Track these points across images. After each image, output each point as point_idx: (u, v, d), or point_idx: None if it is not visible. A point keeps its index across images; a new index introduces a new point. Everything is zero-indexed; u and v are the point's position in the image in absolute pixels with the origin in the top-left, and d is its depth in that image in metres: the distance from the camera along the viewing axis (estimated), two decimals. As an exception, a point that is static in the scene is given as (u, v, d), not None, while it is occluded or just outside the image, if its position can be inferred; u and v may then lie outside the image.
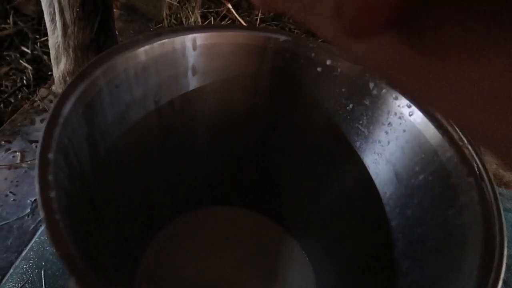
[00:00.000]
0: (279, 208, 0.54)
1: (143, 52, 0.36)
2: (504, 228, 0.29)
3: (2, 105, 0.72)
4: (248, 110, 0.46)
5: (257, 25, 0.90)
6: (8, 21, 0.84)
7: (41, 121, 0.63)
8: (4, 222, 0.51)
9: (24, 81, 0.76)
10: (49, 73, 0.77)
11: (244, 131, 0.48)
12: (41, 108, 0.65)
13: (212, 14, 0.90)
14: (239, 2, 0.95)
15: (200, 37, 0.38)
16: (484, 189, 0.30)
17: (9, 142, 0.60)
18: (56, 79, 0.59)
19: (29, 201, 0.54)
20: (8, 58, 0.80)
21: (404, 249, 0.36)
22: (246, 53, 0.40)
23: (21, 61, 0.79)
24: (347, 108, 0.41)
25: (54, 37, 0.52)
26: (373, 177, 0.40)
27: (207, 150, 0.49)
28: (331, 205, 0.47)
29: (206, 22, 0.86)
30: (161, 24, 0.83)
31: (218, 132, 0.47)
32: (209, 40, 0.39)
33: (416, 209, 0.35)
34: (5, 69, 0.78)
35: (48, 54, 0.58)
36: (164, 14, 0.82)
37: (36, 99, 0.66)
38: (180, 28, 0.38)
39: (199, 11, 0.84)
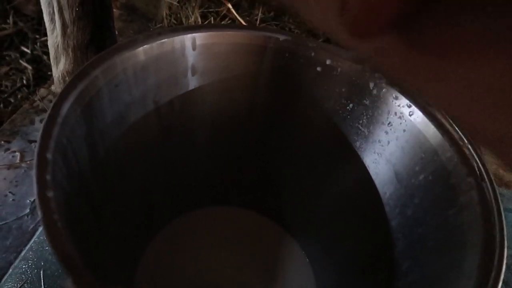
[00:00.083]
0: (279, 208, 0.54)
1: (142, 51, 0.36)
2: (505, 228, 0.29)
3: (2, 105, 0.72)
4: (248, 110, 0.46)
5: (257, 25, 0.90)
6: (8, 21, 0.84)
7: (41, 121, 0.63)
8: (3, 222, 0.51)
9: (24, 81, 0.76)
10: (49, 73, 0.76)
11: (244, 131, 0.48)
12: (40, 108, 0.65)
13: (212, 14, 0.89)
14: (239, 2, 0.95)
15: (199, 37, 0.38)
16: (484, 189, 0.30)
17: (9, 142, 0.60)
18: (55, 79, 0.59)
19: (28, 201, 0.54)
20: (8, 58, 0.80)
21: (404, 249, 0.36)
22: (245, 53, 0.40)
23: (21, 61, 0.79)
24: (347, 107, 0.41)
25: (54, 37, 0.52)
26: (373, 177, 0.40)
27: (206, 150, 0.49)
28: (331, 205, 0.47)
29: (206, 22, 0.86)
30: (161, 24, 0.83)
31: (217, 132, 0.47)
32: (208, 40, 0.39)
33: (416, 209, 0.35)
34: (5, 69, 0.78)
35: (48, 54, 0.58)
36: (164, 14, 0.82)
37: (35, 99, 0.66)
38: (180, 27, 0.38)
39: (199, 11, 0.84)
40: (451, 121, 0.33)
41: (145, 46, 0.36)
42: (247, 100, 0.45)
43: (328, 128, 0.43)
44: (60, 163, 0.28)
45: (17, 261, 0.47)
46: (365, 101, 0.39)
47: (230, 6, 0.88)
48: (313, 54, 0.39)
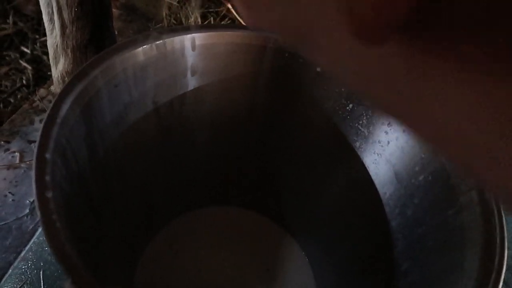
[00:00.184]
0: (279, 208, 0.54)
1: (142, 52, 0.36)
2: (505, 229, 0.29)
3: (1, 105, 0.72)
4: (248, 110, 0.46)
5: (257, 24, 0.89)
6: (8, 21, 0.84)
7: (41, 121, 0.62)
8: (3, 223, 0.51)
9: (24, 81, 0.76)
10: (49, 73, 0.76)
11: (244, 131, 0.47)
12: (40, 108, 0.65)
13: (212, 14, 0.89)
14: (239, 1, 0.94)
15: (199, 37, 0.38)
16: (484, 189, 0.30)
17: (8, 142, 0.60)
18: (55, 79, 0.59)
19: (28, 201, 0.54)
20: (7, 58, 0.80)
21: (404, 249, 0.36)
22: (245, 53, 0.40)
23: (20, 61, 0.79)
24: (347, 108, 0.41)
25: (53, 37, 0.52)
26: (373, 177, 0.40)
27: (206, 150, 0.49)
28: (331, 205, 0.47)
29: (206, 22, 0.86)
30: (160, 24, 0.83)
31: (217, 132, 0.47)
32: (208, 40, 0.39)
33: (416, 209, 0.35)
34: (4, 69, 0.78)
35: (48, 54, 0.58)
36: (164, 14, 0.82)
37: (35, 99, 0.66)
38: (179, 28, 0.38)
39: (199, 11, 0.84)
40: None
41: (145, 46, 0.36)
42: (247, 100, 0.45)
43: (328, 128, 0.43)
44: (59, 163, 0.28)
45: (16, 261, 0.47)
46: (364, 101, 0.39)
47: (230, 6, 0.88)
48: (313, 54, 0.39)
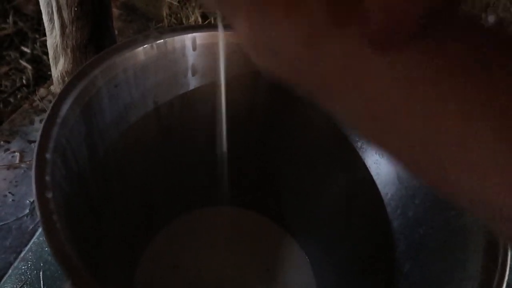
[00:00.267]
0: (279, 208, 0.54)
1: (142, 51, 0.36)
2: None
3: (1, 105, 0.72)
4: (248, 110, 0.46)
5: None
6: (8, 20, 0.84)
7: (41, 121, 0.62)
8: (3, 223, 0.51)
9: (24, 81, 0.76)
10: (49, 73, 0.76)
11: (244, 131, 0.47)
12: (40, 108, 0.65)
13: (213, 13, 0.89)
14: (240, 1, 0.94)
15: (200, 37, 0.38)
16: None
17: (8, 142, 0.60)
18: (54, 79, 0.59)
19: (28, 201, 0.53)
20: (7, 57, 0.79)
21: (405, 250, 0.36)
22: (245, 53, 0.40)
23: (20, 60, 0.79)
24: (348, 107, 0.40)
25: (53, 37, 0.52)
26: (375, 177, 0.40)
27: (206, 150, 0.49)
28: (332, 205, 0.47)
29: (206, 22, 0.86)
30: (161, 24, 0.83)
31: (217, 132, 0.47)
32: (209, 40, 0.39)
33: (417, 210, 0.35)
34: (4, 68, 0.78)
35: (48, 54, 0.58)
36: (164, 14, 0.82)
37: (35, 99, 0.66)
38: (180, 27, 0.38)
39: (199, 10, 0.84)
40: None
41: (145, 46, 0.36)
42: (247, 100, 0.45)
43: (329, 128, 0.43)
44: (59, 163, 0.28)
45: (16, 262, 0.47)
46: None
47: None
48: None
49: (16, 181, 0.55)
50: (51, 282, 0.46)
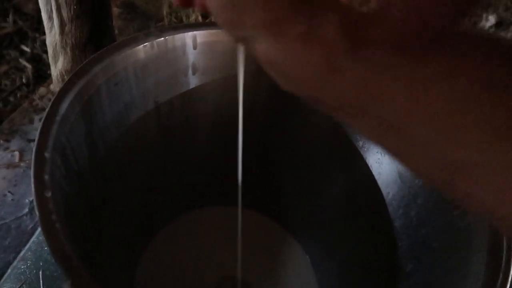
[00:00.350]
0: (279, 208, 0.53)
1: (143, 50, 0.36)
2: None
3: (1, 104, 0.72)
4: (248, 110, 0.45)
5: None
6: (8, 19, 0.84)
7: (40, 120, 0.62)
8: (2, 222, 0.51)
9: (24, 80, 0.75)
10: (49, 72, 0.76)
11: (244, 131, 0.47)
12: (40, 107, 0.64)
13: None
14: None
15: (200, 35, 0.38)
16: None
17: (8, 141, 0.59)
18: (54, 78, 0.58)
19: (27, 200, 0.53)
20: (7, 56, 0.79)
21: (408, 250, 0.36)
22: (247, 51, 0.40)
23: (20, 59, 0.79)
24: (349, 107, 0.40)
25: (52, 35, 0.52)
26: (376, 177, 0.40)
27: (207, 150, 0.48)
28: (332, 204, 0.47)
29: (207, 20, 0.86)
30: (161, 23, 0.83)
31: (218, 131, 0.47)
32: (209, 38, 0.38)
33: (420, 210, 0.35)
34: (4, 67, 0.77)
35: (48, 52, 0.58)
36: (164, 12, 0.82)
37: (35, 98, 0.66)
38: (180, 25, 0.38)
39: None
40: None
41: (146, 44, 0.35)
42: (248, 99, 0.44)
43: (330, 127, 0.42)
44: (58, 162, 0.27)
45: (16, 261, 0.47)
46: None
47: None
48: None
49: (15, 180, 0.55)
50: (51, 282, 0.46)
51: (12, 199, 0.53)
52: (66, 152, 0.29)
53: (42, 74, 0.78)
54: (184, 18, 0.83)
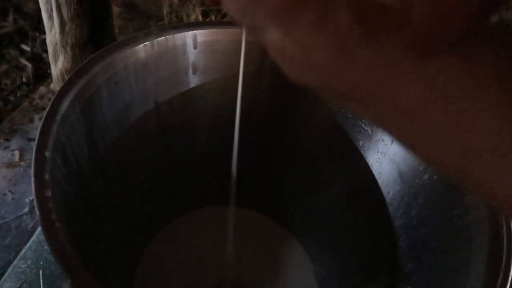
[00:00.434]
0: (280, 207, 0.53)
1: (143, 49, 0.36)
2: (512, 230, 0.28)
3: (1, 103, 0.72)
4: (248, 110, 0.45)
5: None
6: (8, 18, 0.84)
7: (40, 119, 0.62)
8: (2, 221, 0.51)
9: (24, 79, 0.75)
10: (49, 71, 0.76)
11: (244, 130, 0.47)
12: (40, 106, 0.64)
13: (213, 11, 0.89)
14: None
15: (201, 34, 0.38)
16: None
17: (8, 140, 0.59)
18: (54, 77, 0.58)
19: (27, 200, 0.53)
20: (7, 56, 0.79)
21: (408, 250, 0.36)
22: (247, 51, 0.40)
23: (20, 59, 0.78)
24: (350, 106, 0.40)
25: (52, 35, 0.52)
26: (376, 176, 0.40)
27: (207, 149, 0.48)
28: (333, 204, 0.47)
29: (208, 19, 0.86)
30: (161, 22, 0.83)
31: (218, 131, 0.47)
32: (210, 37, 0.38)
33: (420, 209, 0.35)
34: (4, 67, 0.77)
35: (48, 52, 0.58)
36: (165, 12, 0.82)
37: (35, 97, 0.66)
38: (181, 24, 0.38)
39: (200, 8, 0.84)
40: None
41: (146, 43, 0.35)
42: (248, 99, 0.44)
43: (330, 127, 0.42)
44: (58, 161, 0.27)
45: (16, 260, 0.47)
46: (368, 99, 0.39)
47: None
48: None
49: (15, 180, 0.55)
50: (51, 281, 0.46)
51: (12, 198, 0.53)
52: (66, 151, 0.29)
53: (42, 73, 0.77)
54: (184, 18, 0.83)
